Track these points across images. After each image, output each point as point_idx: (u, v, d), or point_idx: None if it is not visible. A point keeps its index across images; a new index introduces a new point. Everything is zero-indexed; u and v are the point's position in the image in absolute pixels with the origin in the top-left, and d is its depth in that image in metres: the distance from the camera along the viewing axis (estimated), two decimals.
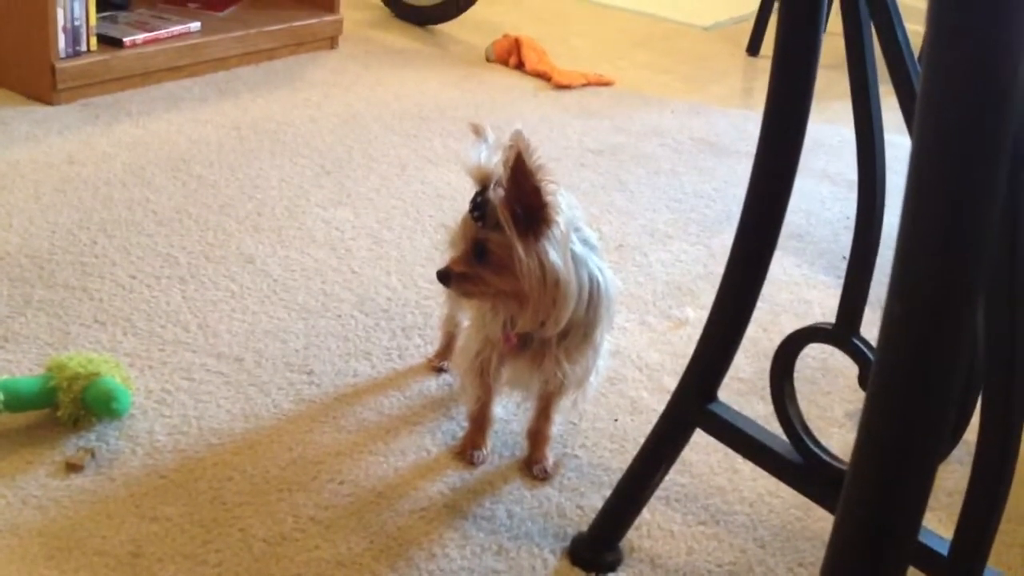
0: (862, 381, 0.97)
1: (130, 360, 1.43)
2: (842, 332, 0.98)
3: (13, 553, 1.10)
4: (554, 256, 1.12)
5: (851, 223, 0.97)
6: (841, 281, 0.98)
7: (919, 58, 0.70)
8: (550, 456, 1.32)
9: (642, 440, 1.17)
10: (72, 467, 1.23)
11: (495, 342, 1.23)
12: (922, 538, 0.87)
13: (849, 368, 1.15)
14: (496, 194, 1.12)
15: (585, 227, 1.21)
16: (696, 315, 1.69)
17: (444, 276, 1.18)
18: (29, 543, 1.12)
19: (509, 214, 1.11)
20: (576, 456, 1.35)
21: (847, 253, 0.98)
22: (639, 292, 1.77)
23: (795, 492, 1.07)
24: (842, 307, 0.98)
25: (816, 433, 1.03)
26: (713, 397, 1.10)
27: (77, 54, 2.27)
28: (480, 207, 1.14)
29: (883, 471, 0.67)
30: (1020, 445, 0.79)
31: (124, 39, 2.35)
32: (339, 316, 1.60)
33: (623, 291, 1.70)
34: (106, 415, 1.30)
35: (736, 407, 1.12)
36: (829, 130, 2.54)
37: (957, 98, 0.61)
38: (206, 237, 1.79)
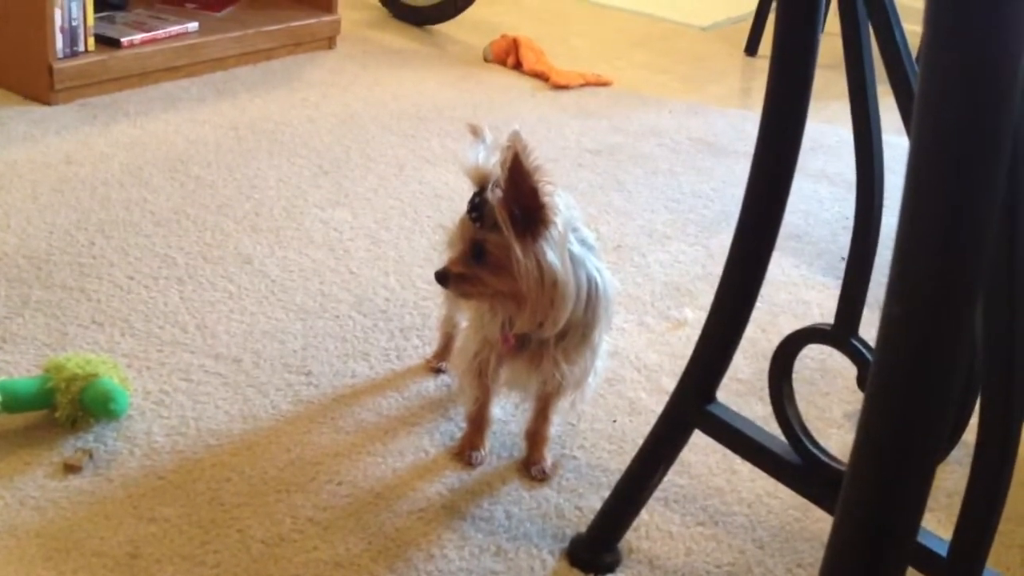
0: (861, 382, 0.97)
1: (128, 361, 1.43)
2: (841, 333, 0.98)
3: (11, 554, 1.10)
4: (552, 257, 1.12)
5: (850, 223, 0.97)
6: (839, 282, 0.98)
7: (917, 58, 0.70)
8: (548, 457, 1.32)
9: (641, 441, 1.17)
10: (70, 468, 1.23)
11: (493, 343, 1.23)
12: (921, 539, 0.87)
13: (848, 369, 1.15)
14: (494, 195, 1.12)
15: (583, 227, 1.21)
16: (694, 316, 1.69)
17: (442, 277, 1.18)
18: (27, 544, 1.12)
19: (507, 215, 1.11)
20: (574, 457, 1.35)
21: (846, 253, 0.98)
22: (637, 293, 1.77)
23: (794, 493, 1.07)
24: (841, 308, 0.98)
25: (815, 434, 1.03)
26: (712, 398, 1.10)
27: (75, 54, 2.27)
28: (478, 208, 1.14)
29: (882, 472, 0.67)
30: (1019, 446, 0.78)
31: (122, 39, 2.35)
32: (337, 317, 1.60)
33: (621, 292, 1.70)
34: (104, 416, 1.30)
35: (735, 408, 1.12)
36: (827, 130, 2.54)
37: (955, 98, 0.61)
38: (204, 238, 1.79)
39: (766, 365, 1.05)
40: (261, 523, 1.18)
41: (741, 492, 1.31)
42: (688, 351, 1.11)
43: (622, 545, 1.19)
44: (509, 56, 2.85)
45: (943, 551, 0.86)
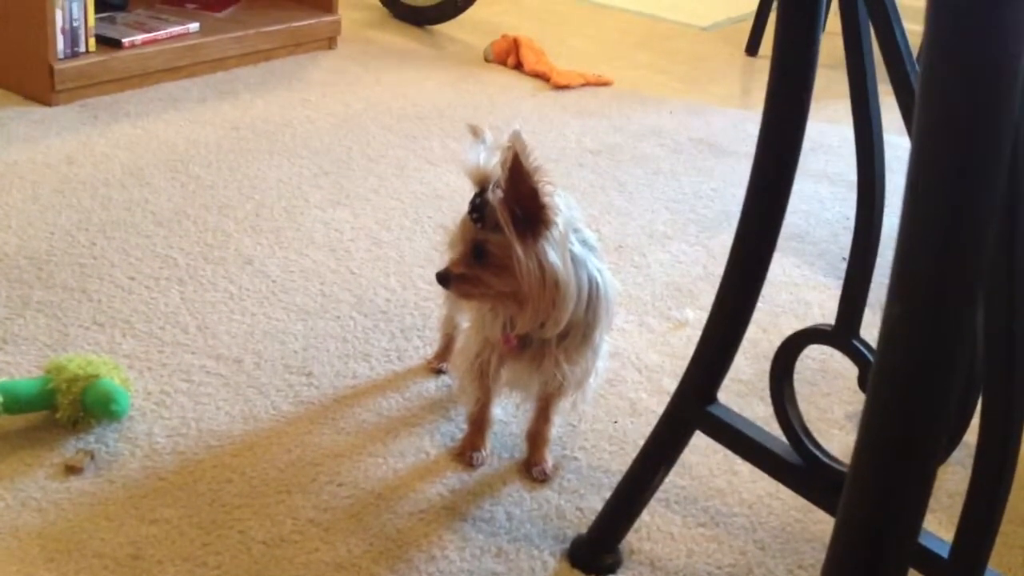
0: (862, 383, 0.97)
1: (129, 362, 1.43)
2: (842, 333, 0.98)
3: (12, 555, 1.10)
4: (553, 257, 1.12)
5: (851, 223, 0.97)
6: (841, 282, 0.98)
7: (918, 57, 0.70)
8: (549, 458, 1.32)
9: (642, 442, 1.17)
10: (71, 469, 1.23)
11: (494, 343, 1.23)
12: (922, 540, 0.87)
13: (849, 369, 1.15)
14: (495, 195, 1.12)
15: (584, 228, 1.21)
16: (695, 316, 1.69)
17: (444, 278, 1.17)
18: (28, 545, 1.12)
19: (508, 215, 1.11)
20: (575, 458, 1.35)
21: (847, 254, 0.98)
22: (638, 293, 1.77)
23: (795, 494, 1.07)
24: (842, 308, 0.98)
25: (816, 435, 1.03)
26: (713, 399, 1.10)
27: (76, 55, 2.27)
28: (479, 209, 1.14)
29: (883, 473, 0.67)
30: (1020, 447, 0.78)
31: (123, 40, 2.35)
32: (338, 317, 1.60)
33: (622, 292, 1.70)
34: (105, 417, 1.30)
35: (736, 409, 1.12)
36: (828, 130, 2.53)
37: (956, 98, 0.61)
38: (205, 238, 1.79)
39: (767, 366, 1.05)
40: (262, 524, 1.18)
41: (742, 493, 1.31)
42: (689, 352, 1.11)
43: (623, 546, 1.19)
44: (510, 56, 2.85)
45: (944, 552, 0.86)
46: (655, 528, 1.24)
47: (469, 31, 3.10)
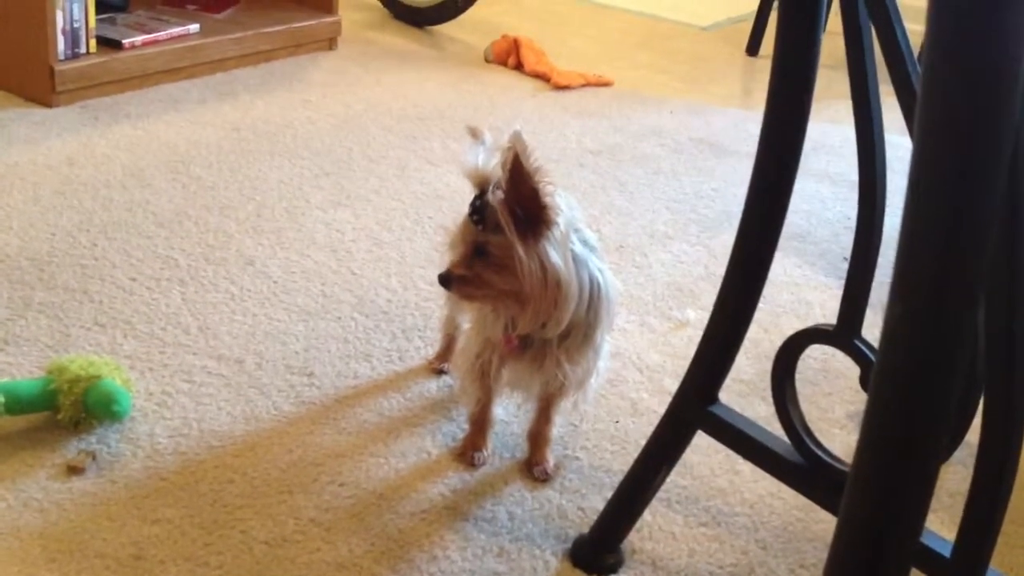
0: (863, 382, 0.97)
1: (130, 362, 1.43)
2: (843, 333, 0.98)
3: (14, 556, 1.10)
4: (555, 257, 1.12)
5: (852, 223, 0.97)
6: (842, 282, 0.98)
7: (919, 57, 0.70)
8: (551, 458, 1.32)
9: (643, 442, 1.17)
10: (73, 470, 1.23)
11: (496, 344, 1.23)
12: (924, 540, 0.87)
13: (850, 369, 1.15)
14: (495, 197, 1.12)
15: (584, 228, 1.21)
16: (697, 316, 1.69)
17: (445, 279, 1.18)
18: (30, 545, 1.12)
19: (509, 216, 1.11)
20: (577, 458, 1.35)
21: (848, 254, 0.98)
22: (639, 293, 1.77)
23: (796, 494, 1.07)
24: (843, 308, 0.98)
25: (817, 434, 1.03)
26: (714, 399, 1.10)
27: (76, 56, 2.27)
28: (479, 210, 1.14)
29: (885, 472, 0.67)
30: (1022, 446, 0.78)
31: (123, 41, 2.35)
32: (339, 318, 1.60)
33: (623, 292, 1.70)
34: (107, 418, 1.30)
35: (737, 408, 1.12)
36: (830, 130, 2.53)
37: (957, 100, 0.61)
38: (206, 239, 1.79)
39: (768, 366, 1.05)
40: (264, 524, 1.18)
41: (744, 493, 1.31)
42: (690, 352, 1.11)
43: (625, 546, 1.19)
44: (510, 57, 2.85)
45: (946, 552, 0.86)
46: (657, 528, 1.24)
47: (469, 32, 3.10)
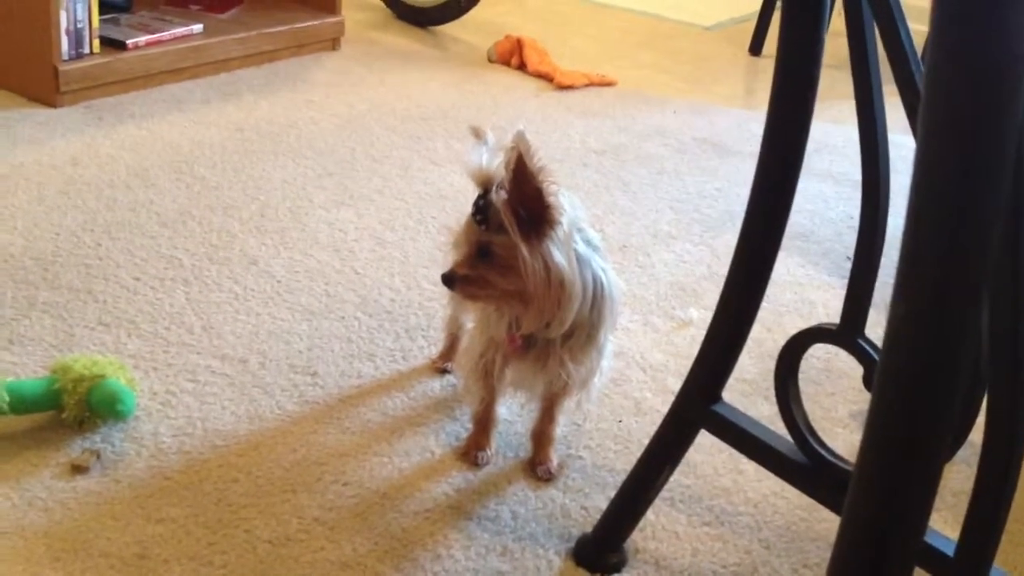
0: (867, 382, 0.97)
1: (134, 362, 1.44)
2: (847, 332, 0.98)
3: (19, 555, 1.11)
4: (558, 257, 1.12)
5: (855, 223, 0.97)
6: (845, 281, 0.98)
7: (922, 57, 0.70)
8: (554, 457, 1.32)
9: (646, 441, 1.17)
10: (77, 469, 1.23)
11: (499, 343, 1.23)
12: (928, 539, 0.87)
13: (853, 369, 1.15)
14: (499, 196, 1.12)
15: (588, 228, 1.21)
16: (700, 316, 1.69)
17: (449, 279, 1.18)
18: (35, 545, 1.12)
19: (512, 216, 1.11)
20: (580, 457, 1.35)
21: (851, 253, 0.98)
22: (642, 293, 1.77)
23: (800, 493, 1.07)
24: (846, 307, 0.98)
25: (821, 434, 1.03)
26: (717, 398, 1.10)
27: (80, 56, 2.27)
28: (483, 210, 1.14)
29: (889, 472, 0.67)
30: None
31: (127, 41, 2.36)
32: (343, 318, 1.60)
33: (626, 292, 1.70)
34: (111, 417, 1.30)
35: (740, 408, 1.12)
36: (833, 130, 2.53)
37: (960, 100, 0.61)
38: (210, 239, 1.79)
39: (772, 365, 1.05)
40: (267, 523, 1.18)
41: (747, 492, 1.31)
42: (693, 351, 1.11)
43: (628, 545, 1.19)
44: (513, 57, 2.85)
45: (950, 551, 0.86)
46: (660, 527, 1.24)
47: (472, 32, 3.11)
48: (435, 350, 1.53)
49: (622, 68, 2.93)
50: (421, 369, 1.50)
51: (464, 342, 1.40)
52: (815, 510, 1.27)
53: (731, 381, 1.11)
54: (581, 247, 1.16)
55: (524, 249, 1.11)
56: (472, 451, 1.32)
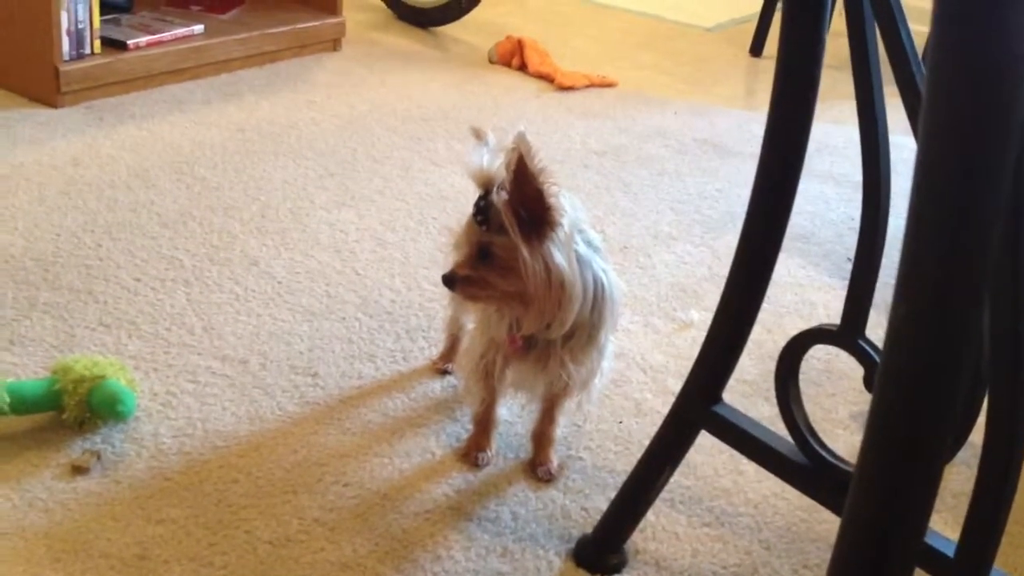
0: (867, 383, 0.97)
1: (135, 363, 1.44)
2: (847, 333, 0.98)
3: (19, 555, 1.11)
4: (559, 258, 1.12)
5: (855, 224, 0.97)
6: (845, 283, 0.98)
7: (923, 57, 0.70)
8: (555, 458, 1.32)
9: (647, 442, 1.17)
10: (77, 469, 1.23)
11: (500, 344, 1.23)
12: (928, 540, 0.87)
13: (854, 370, 1.15)
14: (499, 197, 1.12)
15: (588, 229, 1.21)
16: (700, 317, 1.69)
17: (449, 280, 1.18)
18: (35, 545, 1.12)
19: (513, 217, 1.11)
20: (581, 458, 1.35)
21: (851, 254, 0.98)
22: (643, 294, 1.77)
23: (800, 494, 1.07)
24: (847, 308, 0.98)
25: (821, 435, 1.03)
26: (718, 399, 1.10)
27: (81, 57, 2.27)
28: (484, 211, 1.14)
29: (889, 473, 0.67)
30: None
31: (128, 42, 2.36)
32: (343, 319, 1.60)
33: (627, 293, 1.70)
34: (111, 418, 1.30)
35: (741, 409, 1.12)
36: (833, 131, 2.53)
37: (962, 100, 0.61)
38: (210, 239, 1.79)
39: (772, 366, 1.05)
40: (268, 524, 1.18)
41: (747, 493, 1.31)
42: (694, 352, 1.11)
43: (628, 546, 1.19)
44: (514, 57, 2.85)
45: (950, 552, 0.86)
46: (660, 528, 1.24)
47: (473, 32, 3.11)
48: (436, 351, 1.53)
49: (623, 69, 2.94)
50: (422, 370, 1.50)
51: (465, 343, 1.40)
52: (815, 511, 1.27)
53: (731, 382, 1.11)
54: (582, 248, 1.16)
55: (525, 250, 1.11)
56: (472, 452, 1.32)
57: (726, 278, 1.07)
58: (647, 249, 1.92)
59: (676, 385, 1.17)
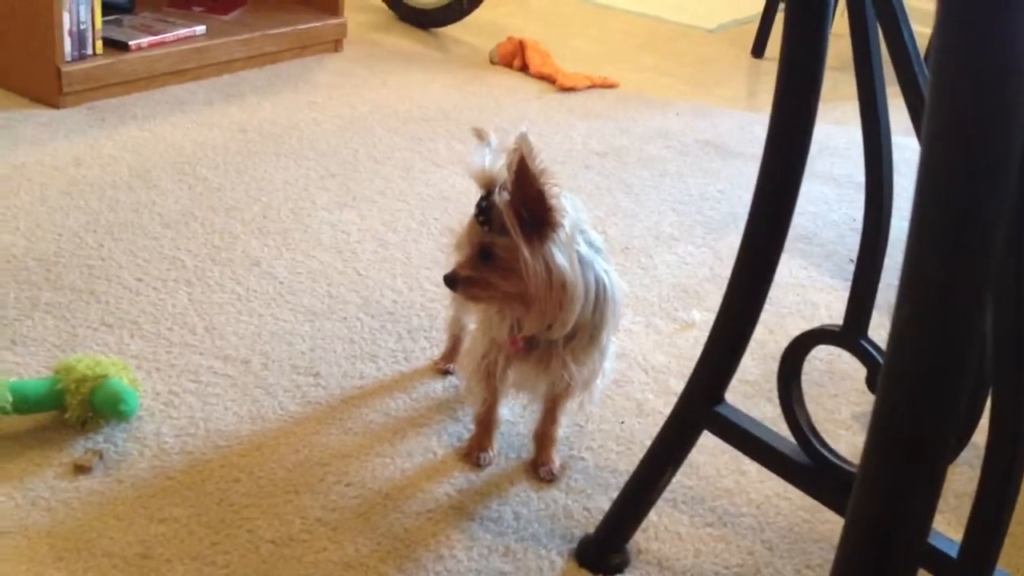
0: (870, 383, 0.97)
1: (137, 362, 1.44)
2: (850, 334, 0.98)
3: (22, 554, 1.11)
4: (560, 259, 1.12)
5: (857, 225, 0.97)
6: (847, 283, 0.98)
7: (926, 58, 0.70)
8: (556, 458, 1.32)
9: (649, 442, 1.17)
10: (80, 469, 1.23)
11: (501, 345, 1.23)
12: (931, 540, 0.87)
13: (856, 370, 1.16)
14: (501, 198, 1.12)
15: (590, 230, 1.21)
16: (702, 317, 1.69)
17: (451, 280, 1.18)
18: (38, 544, 1.12)
19: (515, 218, 1.11)
20: (583, 458, 1.35)
21: (853, 255, 0.98)
22: (645, 294, 1.77)
23: (803, 494, 1.07)
24: (849, 309, 0.98)
25: (823, 435, 1.03)
26: (720, 399, 1.10)
27: (83, 57, 2.28)
28: (485, 211, 1.14)
29: (892, 474, 0.67)
30: None
31: (130, 43, 2.36)
32: (345, 319, 1.60)
33: (629, 293, 1.70)
34: (114, 417, 1.30)
35: (743, 409, 1.12)
36: (836, 132, 2.53)
37: (965, 102, 0.61)
38: (212, 240, 1.79)
39: (774, 367, 1.05)
40: (270, 523, 1.18)
41: (750, 493, 1.31)
42: (696, 353, 1.11)
43: (630, 546, 1.19)
44: (515, 58, 2.85)
45: (954, 552, 0.86)
46: (662, 528, 1.24)
47: (474, 33, 3.11)
48: (437, 351, 1.53)
49: (624, 70, 2.94)
50: (423, 370, 1.50)
51: (466, 343, 1.40)
52: (818, 511, 1.27)
53: (734, 383, 1.11)
54: (584, 249, 1.16)
55: (526, 251, 1.11)
56: (474, 452, 1.32)
57: (728, 279, 1.07)
58: (649, 250, 1.92)
59: (678, 385, 1.18)
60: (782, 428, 1.05)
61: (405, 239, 1.87)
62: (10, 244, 1.71)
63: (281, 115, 2.37)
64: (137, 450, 1.28)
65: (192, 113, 2.32)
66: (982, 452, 0.79)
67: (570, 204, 1.15)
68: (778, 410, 1.05)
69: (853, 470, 0.94)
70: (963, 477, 1.31)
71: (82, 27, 2.25)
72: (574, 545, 1.20)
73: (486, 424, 1.32)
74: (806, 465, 1.02)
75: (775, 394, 1.06)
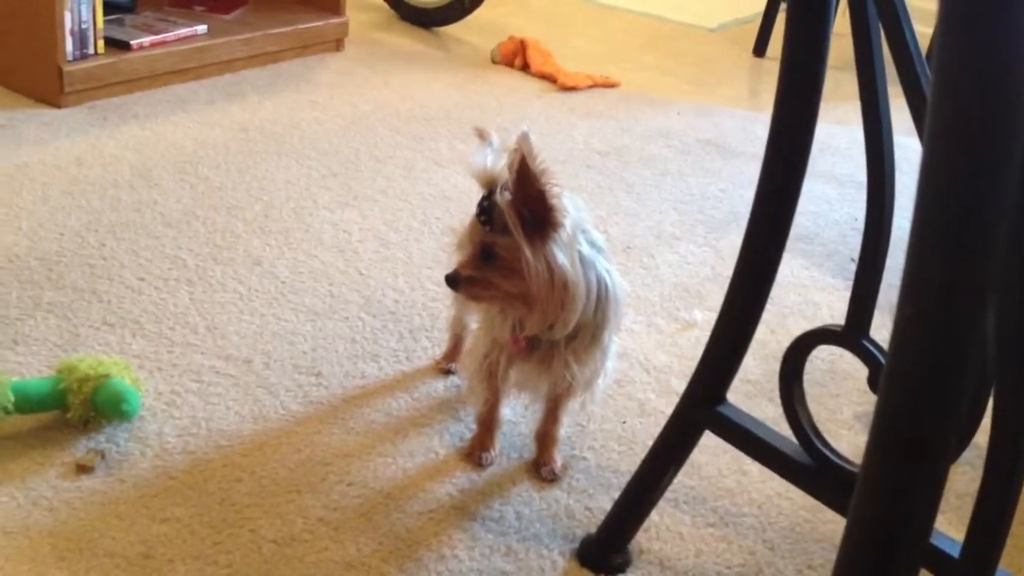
0: (872, 383, 0.97)
1: (139, 362, 1.44)
2: (851, 334, 0.98)
3: (24, 554, 1.11)
4: (562, 259, 1.12)
5: (859, 225, 0.97)
6: (849, 283, 0.98)
7: (927, 57, 0.70)
8: (558, 458, 1.32)
9: (651, 442, 1.17)
10: (82, 468, 1.23)
11: (503, 344, 1.23)
12: (933, 540, 0.87)
13: (858, 370, 1.15)
14: (503, 198, 1.12)
15: (592, 229, 1.21)
16: (704, 317, 1.69)
17: (452, 280, 1.18)
18: (40, 544, 1.12)
19: (516, 217, 1.11)
20: (584, 458, 1.35)
21: (855, 255, 0.98)
22: (646, 294, 1.77)
23: (804, 494, 1.07)
24: (851, 309, 0.98)
25: (825, 435, 1.03)
26: (722, 399, 1.10)
27: (84, 57, 2.28)
28: (487, 211, 1.14)
29: (894, 474, 0.67)
30: None
31: (131, 42, 2.36)
32: (346, 318, 1.60)
33: (630, 293, 1.70)
34: (116, 417, 1.30)
35: (745, 409, 1.12)
36: (837, 131, 2.53)
37: (967, 101, 0.61)
38: (214, 239, 1.79)
39: (776, 366, 1.05)
40: (272, 523, 1.18)
41: (751, 493, 1.31)
42: (697, 352, 1.11)
43: (632, 546, 1.19)
44: (517, 58, 2.85)
45: (955, 552, 0.86)
46: (664, 528, 1.24)
47: (476, 33, 3.11)
48: (439, 351, 1.53)
49: (625, 69, 2.94)
50: (425, 370, 1.50)
51: (468, 343, 1.40)
52: (819, 511, 1.27)
53: (735, 382, 1.11)
54: (585, 248, 1.16)
55: (527, 250, 1.11)
56: (476, 452, 1.32)
57: (730, 278, 1.07)
58: (650, 249, 1.92)
59: (680, 385, 1.18)
60: (784, 428, 1.05)
61: (407, 239, 1.87)
62: (12, 243, 1.71)
63: (283, 114, 2.37)
64: (139, 450, 1.28)
65: (194, 112, 2.32)
66: (984, 452, 0.79)
67: (571, 204, 1.15)
68: (780, 410, 1.05)
69: (855, 470, 0.94)
70: (965, 477, 1.31)
71: (84, 26, 2.25)
72: (576, 545, 1.20)
73: (488, 424, 1.32)
74: (808, 465, 1.02)
75: (777, 394, 1.06)
